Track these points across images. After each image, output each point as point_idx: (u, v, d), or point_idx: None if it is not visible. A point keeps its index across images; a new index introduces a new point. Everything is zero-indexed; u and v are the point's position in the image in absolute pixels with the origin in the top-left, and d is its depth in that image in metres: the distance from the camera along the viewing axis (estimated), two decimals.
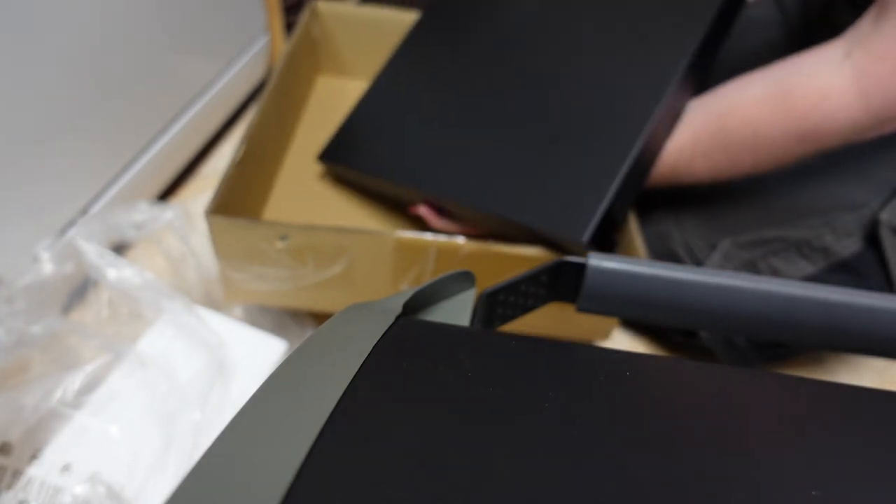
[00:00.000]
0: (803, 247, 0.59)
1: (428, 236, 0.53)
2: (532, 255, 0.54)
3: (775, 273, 0.60)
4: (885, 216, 0.56)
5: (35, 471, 0.48)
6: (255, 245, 0.54)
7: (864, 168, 0.59)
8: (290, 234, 0.53)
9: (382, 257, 0.55)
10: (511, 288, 0.29)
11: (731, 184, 0.65)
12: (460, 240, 0.53)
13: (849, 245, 0.58)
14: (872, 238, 0.57)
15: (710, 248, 0.64)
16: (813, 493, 0.16)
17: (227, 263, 0.56)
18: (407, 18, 0.86)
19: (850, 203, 0.58)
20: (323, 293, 0.58)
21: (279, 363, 0.64)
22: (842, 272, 0.58)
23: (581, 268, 0.28)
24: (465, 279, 0.29)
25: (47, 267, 0.57)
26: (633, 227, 0.60)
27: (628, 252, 0.60)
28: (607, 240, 0.56)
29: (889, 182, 0.58)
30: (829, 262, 0.59)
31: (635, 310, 0.28)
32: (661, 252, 0.68)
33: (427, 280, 0.56)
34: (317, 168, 0.76)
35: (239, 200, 0.60)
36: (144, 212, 0.63)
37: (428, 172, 0.62)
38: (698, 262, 0.65)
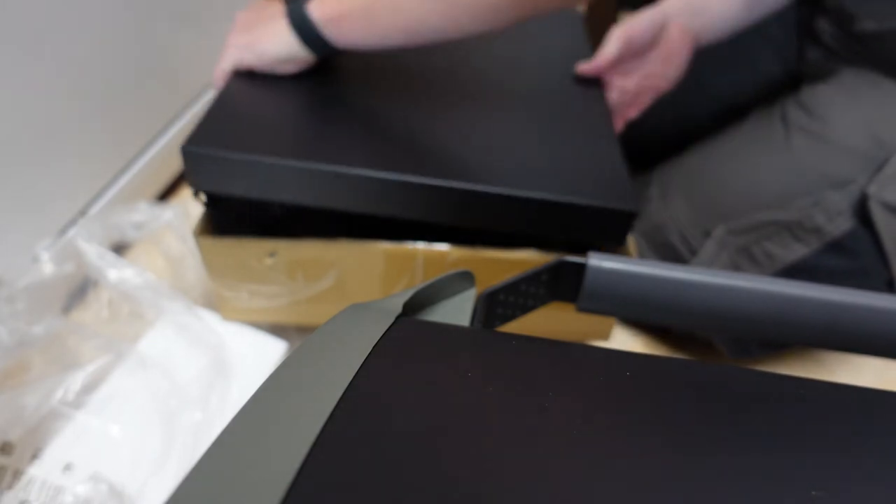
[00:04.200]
0: (796, 228, 0.59)
1: (414, 245, 0.53)
2: (520, 258, 0.54)
3: (770, 257, 0.61)
4: (873, 189, 0.56)
5: (36, 470, 0.48)
6: (244, 263, 0.54)
7: (849, 145, 0.59)
8: (278, 250, 0.53)
9: (371, 268, 0.55)
10: (511, 288, 0.29)
11: (721, 170, 0.66)
12: (446, 247, 0.53)
13: (840, 224, 0.58)
14: (864, 216, 0.57)
15: (704, 236, 0.64)
16: (813, 493, 0.16)
17: (220, 283, 0.57)
18: None
19: (837, 180, 0.58)
20: (317, 307, 0.59)
21: (279, 363, 0.64)
22: (836, 253, 0.59)
23: (581, 267, 0.28)
24: (465, 279, 0.29)
25: (47, 267, 0.57)
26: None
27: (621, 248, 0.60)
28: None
29: (873, 157, 0.58)
30: (822, 243, 0.59)
31: (635, 310, 0.28)
32: (658, 243, 0.68)
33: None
34: None
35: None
36: (144, 212, 0.63)
37: (408, 156, 0.52)
38: (693, 251, 0.65)
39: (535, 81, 0.65)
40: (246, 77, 0.57)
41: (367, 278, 0.56)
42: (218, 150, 0.48)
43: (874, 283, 0.59)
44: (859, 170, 0.58)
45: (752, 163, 0.64)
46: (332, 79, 0.59)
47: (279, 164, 0.48)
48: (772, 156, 0.63)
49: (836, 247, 0.58)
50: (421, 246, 0.53)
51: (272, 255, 0.53)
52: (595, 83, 0.66)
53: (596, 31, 1.01)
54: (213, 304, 0.61)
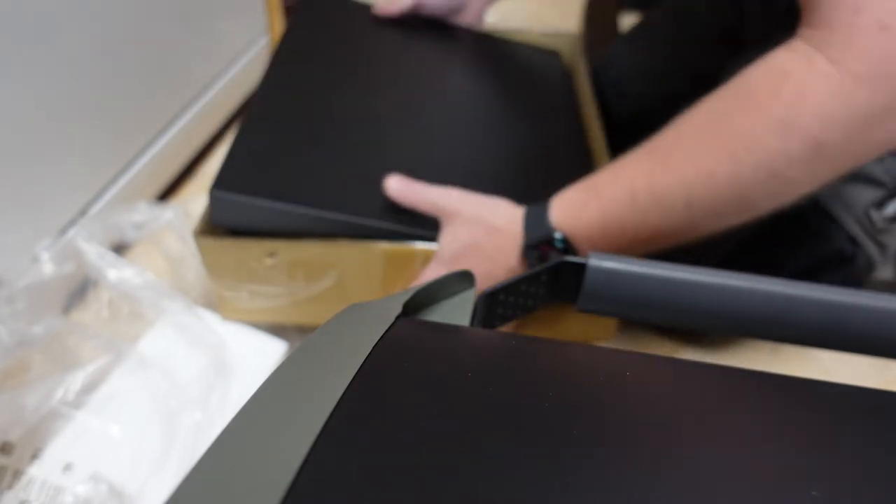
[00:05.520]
0: None
1: (414, 245, 0.53)
2: None
3: None
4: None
5: (36, 470, 0.48)
6: (244, 263, 0.54)
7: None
8: (278, 250, 0.53)
9: (371, 268, 0.55)
10: (511, 288, 0.29)
11: None
12: None
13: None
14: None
15: None
16: (813, 493, 0.16)
17: (220, 283, 0.57)
18: None
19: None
20: (317, 308, 0.59)
21: (279, 363, 0.64)
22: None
23: (581, 267, 0.28)
24: (465, 279, 0.29)
25: (47, 267, 0.57)
26: None
27: None
28: None
29: None
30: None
31: (635, 310, 0.28)
32: None
33: None
34: None
35: None
36: (144, 212, 0.63)
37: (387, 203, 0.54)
38: None
39: (526, 130, 0.70)
40: (266, 115, 0.59)
41: (367, 278, 0.56)
42: (246, 196, 0.51)
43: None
44: None
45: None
46: (353, 120, 0.62)
47: (301, 212, 0.52)
48: None
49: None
50: (420, 246, 0.53)
51: (272, 255, 0.53)
52: (576, 128, 0.72)
53: (596, 29, 1.01)
54: (213, 304, 0.61)
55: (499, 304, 0.30)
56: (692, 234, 0.44)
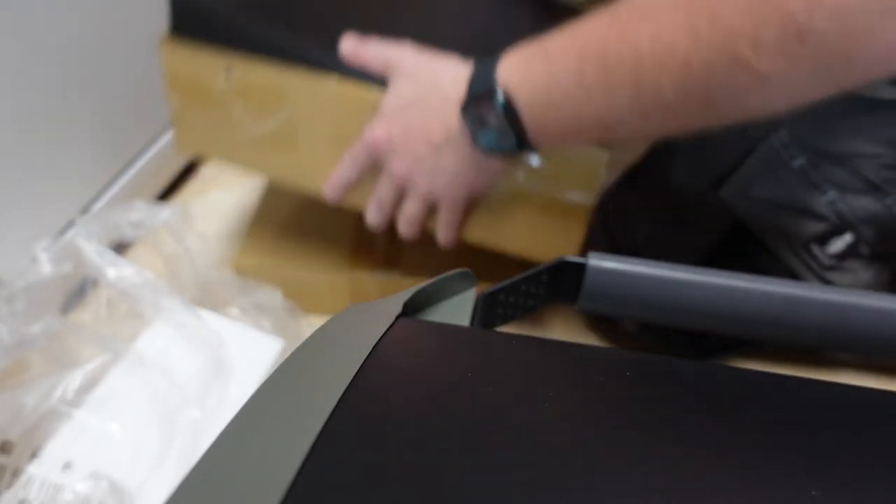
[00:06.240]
0: None
1: (370, 89, 0.50)
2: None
3: None
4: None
5: (35, 469, 0.48)
6: (201, 78, 0.54)
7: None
8: (234, 66, 0.52)
9: (323, 110, 0.52)
10: (511, 288, 0.29)
11: None
12: None
13: None
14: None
15: None
16: (813, 492, 0.16)
17: (177, 100, 0.57)
18: None
19: None
20: (268, 155, 0.57)
21: (278, 362, 0.64)
22: None
23: (581, 267, 0.28)
24: (465, 279, 0.29)
25: (46, 267, 0.57)
26: None
27: None
28: None
29: None
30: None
31: (635, 310, 0.28)
32: None
33: None
34: None
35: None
36: (141, 210, 0.63)
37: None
38: None
39: None
40: None
41: (319, 124, 0.54)
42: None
43: None
44: None
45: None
46: None
47: (256, 31, 0.51)
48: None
49: None
50: (377, 91, 0.50)
51: (228, 70, 0.53)
52: None
53: None
54: (209, 303, 0.61)
55: (499, 304, 0.30)
56: (644, 129, 0.40)
